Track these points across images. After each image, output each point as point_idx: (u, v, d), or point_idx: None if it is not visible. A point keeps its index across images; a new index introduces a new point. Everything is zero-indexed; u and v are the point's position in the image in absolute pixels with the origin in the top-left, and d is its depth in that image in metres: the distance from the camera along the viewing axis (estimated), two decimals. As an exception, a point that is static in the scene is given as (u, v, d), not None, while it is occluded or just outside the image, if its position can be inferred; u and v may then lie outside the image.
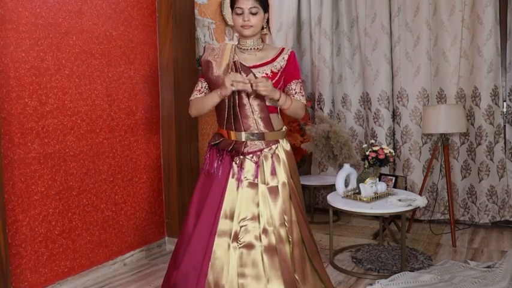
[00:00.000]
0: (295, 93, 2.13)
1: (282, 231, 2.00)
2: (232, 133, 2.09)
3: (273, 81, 2.06)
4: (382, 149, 2.99)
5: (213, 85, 2.10)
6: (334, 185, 3.48)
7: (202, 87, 2.18)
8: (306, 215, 2.23)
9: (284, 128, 2.18)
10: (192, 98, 2.19)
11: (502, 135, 3.56)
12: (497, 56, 3.49)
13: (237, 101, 2.04)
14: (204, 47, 2.19)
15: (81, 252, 2.69)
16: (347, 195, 2.99)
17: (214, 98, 2.05)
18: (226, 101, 2.05)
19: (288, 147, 2.15)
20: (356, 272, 2.82)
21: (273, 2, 4.41)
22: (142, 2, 3.09)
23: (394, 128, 3.98)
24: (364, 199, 2.87)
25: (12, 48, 2.31)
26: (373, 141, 3.32)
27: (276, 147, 2.08)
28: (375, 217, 3.94)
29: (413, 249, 3.18)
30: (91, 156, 2.74)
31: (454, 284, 2.50)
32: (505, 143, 3.60)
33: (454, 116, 3.30)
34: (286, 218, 2.01)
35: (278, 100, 2.03)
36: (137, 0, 3.05)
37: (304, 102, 2.16)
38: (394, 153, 3.09)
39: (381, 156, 2.97)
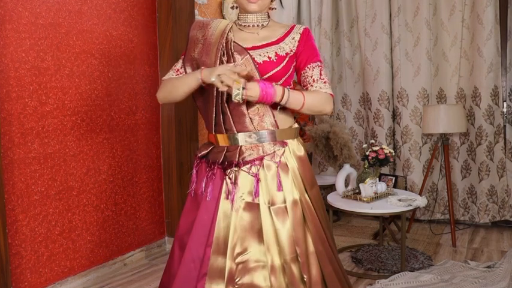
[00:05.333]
0: (314, 81, 1.61)
1: (295, 269, 1.51)
2: (222, 137, 1.61)
3: (278, 67, 1.59)
4: (382, 149, 2.99)
5: (195, 67, 1.67)
6: (334, 185, 3.48)
7: (181, 68, 1.69)
8: (334, 242, 1.72)
9: (295, 125, 1.67)
10: (165, 77, 1.70)
11: (502, 135, 3.56)
12: (497, 56, 3.49)
13: (227, 95, 1.56)
14: (194, 22, 1.74)
15: (81, 252, 2.69)
16: (347, 195, 2.99)
17: (191, 81, 1.56)
18: (215, 94, 1.58)
19: (300, 151, 1.64)
20: (356, 272, 2.82)
21: (276, 2, 4.41)
22: (142, 2, 3.09)
23: (394, 128, 3.98)
24: (364, 199, 2.87)
25: (12, 48, 2.31)
26: (373, 141, 3.32)
27: (283, 153, 1.58)
28: (375, 217, 3.94)
29: (413, 249, 3.18)
30: (91, 156, 2.74)
31: (454, 284, 2.50)
32: (505, 143, 3.60)
33: (454, 116, 3.30)
34: (298, 250, 1.51)
35: (279, 101, 1.53)
36: (137, 0, 3.05)
37: (328, 91, 1.60)
38: (394, 153, 3.09)
39: (381, 156, 2.97)
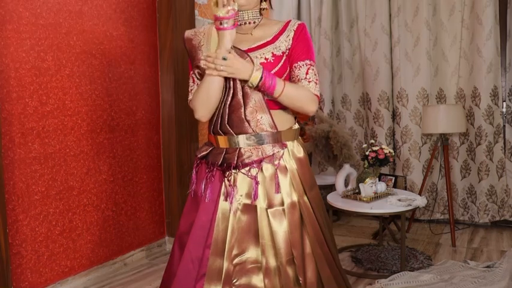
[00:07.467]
0: (298, 80, 1.56)
1: (290, 271, 1.50)
2: (222, 139, 1.58)
3: (276, 68, 1.54)
4: (382, 149, 3.00)
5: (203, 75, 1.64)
6: (334, 185, 3.49)
7: (196, 83, 1.66)
8: (334, 244, 1.70)
9: (295, 126, 1.64)
10: (191, 95, 1.66)
11: (502, 135, 3.57)
12: (497, 56, 3.50)
13: (231, 95, 1.55)
14: (184, 38, 1.69)
15: (81, 252, 2.69)
16: (347, 195, 2.99)
17: (210, 78, 1.52)
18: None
19: (300, 152, 1.62)
20: (356, 272, 2.83)
21: (273, 2, 4.42)
22: (142, 2, 3.09)
23: (394, 128, 3.98)
24: (364, 199, 2.87)
25: (12, 49, 2.31)
26: (373, 141, 3.32)
27: (282, 154, 1.56)
28: (375, 217, 3.94)
29: (413, 249, 3.18)
30: (91, 156, 2.74)
31: (453, 284, 2.50)
32: (504, 143, 3.61)
33: (454, 116, 3.30)
34: (295, 252, 1.50)
35: (257, 83, 1.48)
36: (137, 0, 3.05)
37: (313, 91, 1.56)
38: (393, 153, 3.10)
39: (381, 156, 2.97)
